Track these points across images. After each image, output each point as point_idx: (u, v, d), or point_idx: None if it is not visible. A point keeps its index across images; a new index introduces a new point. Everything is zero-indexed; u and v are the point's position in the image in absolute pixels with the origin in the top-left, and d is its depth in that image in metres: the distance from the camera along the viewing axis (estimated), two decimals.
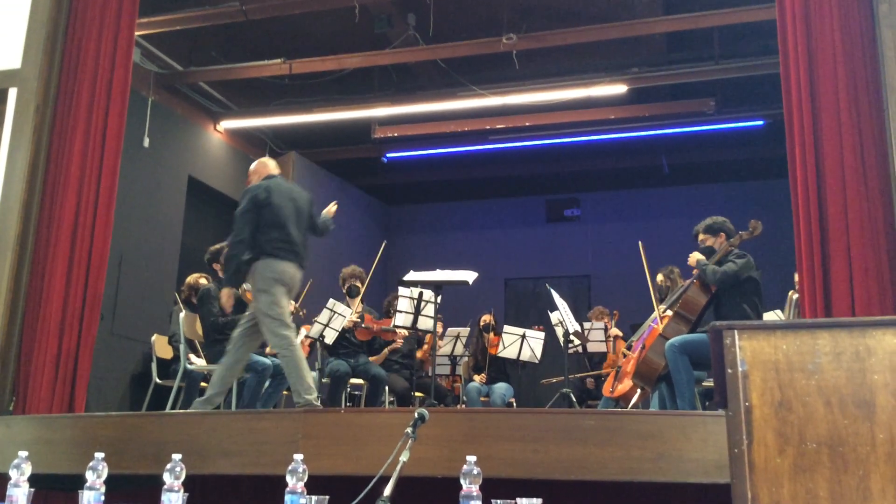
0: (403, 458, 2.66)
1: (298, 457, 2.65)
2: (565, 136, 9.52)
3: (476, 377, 7.29)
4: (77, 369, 5.21)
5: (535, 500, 2.32)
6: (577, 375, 7.27)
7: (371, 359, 6.42)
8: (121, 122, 5.70)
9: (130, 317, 7.57)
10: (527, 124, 9.14)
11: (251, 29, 7.78)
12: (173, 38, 7.97)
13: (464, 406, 7.24)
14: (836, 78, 4.35)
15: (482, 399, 7.09)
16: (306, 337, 6.09)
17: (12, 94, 5.72)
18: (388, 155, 10.26)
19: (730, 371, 1.69)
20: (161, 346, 6.54)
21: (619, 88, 8.23)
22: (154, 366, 6.42)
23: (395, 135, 9.34)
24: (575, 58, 8.32)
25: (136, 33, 7.45)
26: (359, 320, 6.18)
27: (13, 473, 2.82)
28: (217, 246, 6.09)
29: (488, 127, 9.26)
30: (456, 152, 10.09)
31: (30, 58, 5.73)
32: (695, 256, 4.93)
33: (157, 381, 6.32)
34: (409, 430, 2.76)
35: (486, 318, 7.70)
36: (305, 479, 2.63)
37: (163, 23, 7.52)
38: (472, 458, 2.53)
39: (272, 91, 9.02)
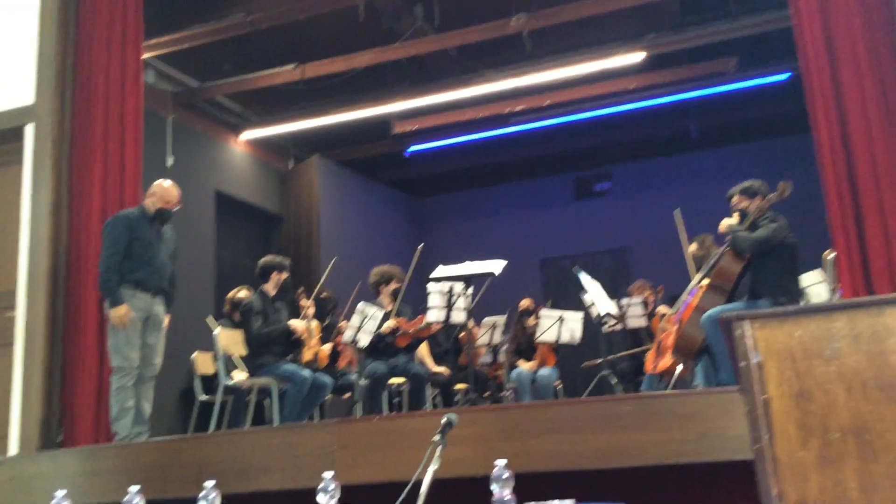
0: (434, 466, 2.62)
1: (328, 474, 2.63)
2: (587, 110, 9.36)
3: (523, 364, 7.21)
4: None
5: (567, 501, 2.26)
6: (618, 355, 7.18)
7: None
8: (137, 148, 5.74)
9: (172, 336, 7.59)
10: (547, 103, 9.00)
11: (260, 38, 7.77)
12: (185, 56, 8.00)
13: (510, 393, 7.20)
14: (851, 26, 4.20)
15: (533, 385, 7.04)
16: (343, 344, 6.12)
17: (29, 130, 5.79)
18: (411, 148, 10.21)
19: (743, 363, 1.62)
20: (202, 363, 6.59)
21: (637, 57, 8.05)
22: (197, 382, 6.48)
23: (415, 128, 9.29)
24: (588, 30, 8.16)
25: (148, 55, 7.55)
26: (397, 328, 6.15)
27: None
28: (267, 258, 6.11)
29: (508, 110, 9.15)
30: (478, 139, 9.99)
31: (43, 93, 5.79)
32: (726, 223, 4.80)
33: (203, 397, 6.38)
34: (437, 437, 2.72)
35: (526, 303, 7.64)
36: (337, 497, 2.61)
37: (172, 42, 7.55)
38: (501, 462, 2.49)
39: (289, 97, 9.02)
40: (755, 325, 1.62)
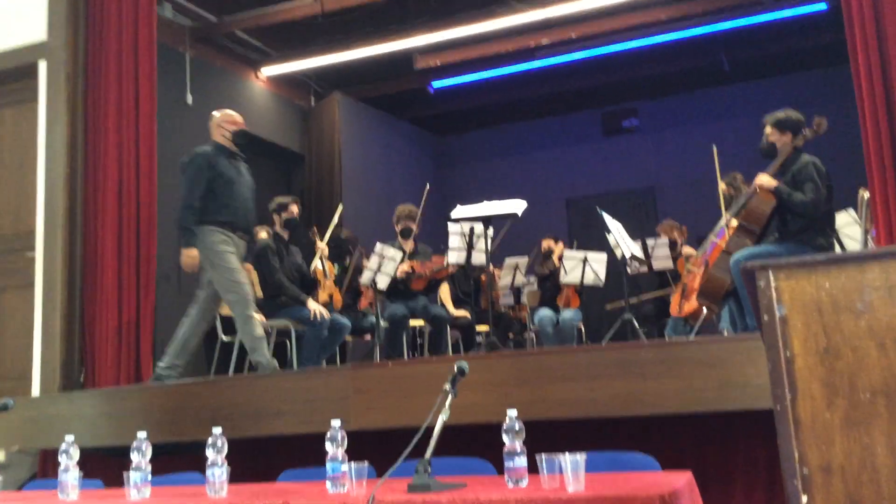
0: (443, 416, 2.54)
1: (336, 423, 2.56)
2: (615, 43, 9.04)
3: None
4: (140, 336, 5.28)
5: (578, 454, 2.17)
6: (642, 298, 7.05)
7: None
8: (152, 83, 5.63)
9: (195, 275, 7.63)
10: (573, 36, 8.70)
11: None
12: None
13: (533, 334, 7.13)
14: None
15: (556, 327, 6.96)
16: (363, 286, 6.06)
17: (42, 66, 5.70)
18: (434, 84, 9.97)
19: (766, 317, 1.49)
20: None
21: None
22: (219, 323, 6.46)
23: (438, 63, 9.04)
24: None
25: None
26: (410, 271, 6.07)
27: (62, 458, 2.83)
28: (281, 198, 6.04)
29: (533, 44, 8.85)
30: (503, 74, 9.72)
31: (55, 28, 5.69)
32: (766, 181, 4.48)
33: (224, 338, 6.37)
34: (447, 386, 2.63)
35: (548, 244, 7.51)
36: (345, 446, 2.55)
37: None
38: (512, 413, 2.40)
39: (309, 32, 8.79)
40: (780, 275, 1.48)
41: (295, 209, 5.92)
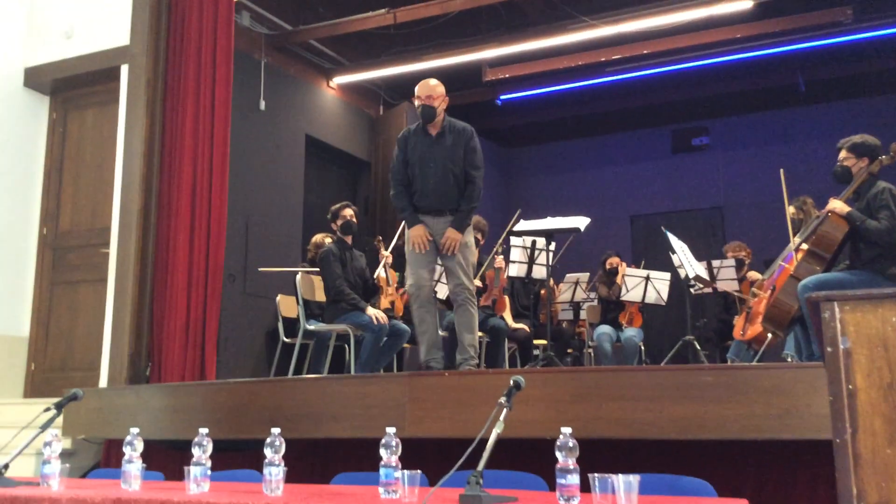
0: (497, 429, 2.55)
1: (391, 430, 2.59)
2: (688, 60, 8.93)
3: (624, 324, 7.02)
4: (205, 334, 5.41)
5: (632, 476, 2.16)
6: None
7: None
8: (228, 88, 5.78)
9: (261, 277, 7.81)
10: (644, 52, 8.63)
11: None
12: None
13: (591, 351, 7.07)
14: None
15: (616, 345, 6.89)
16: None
17: (124, 70, 5.91)
18: (502, 97, 10.00)
19: (829, 349, 1.46)
20: (286, 306, 6.70)
21: (745, 4, 7.61)
22: (280, 325, 6.59)
23: (507, 76, 9.07)
24: None
25: None
26: (481, 286, 6.08)
27: (126, 450, 2.92)
28: (333, 206, 6.13)
29: (604, 59, 8.81)
30: (572, 88, 9.69)
31: (137, 34, 5.89)
32: (839, 206, 4.38)
33: (285, 339, 6.50)
34: (503, 399, 2.64)
35: (615, 261, 7.39)
36: (399, 453, 2.58)
37: None
38: (567, 430, 2.39)
39: (381, 42, 8.93)
40: (845, 307, 1.46)
41: (348, 213, 5.98)
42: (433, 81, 4.79)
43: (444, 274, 5.67)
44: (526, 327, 6.64)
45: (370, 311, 5.62)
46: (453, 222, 4.65)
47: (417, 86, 4.79)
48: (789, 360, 4.95)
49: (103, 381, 5.38)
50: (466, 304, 4.66)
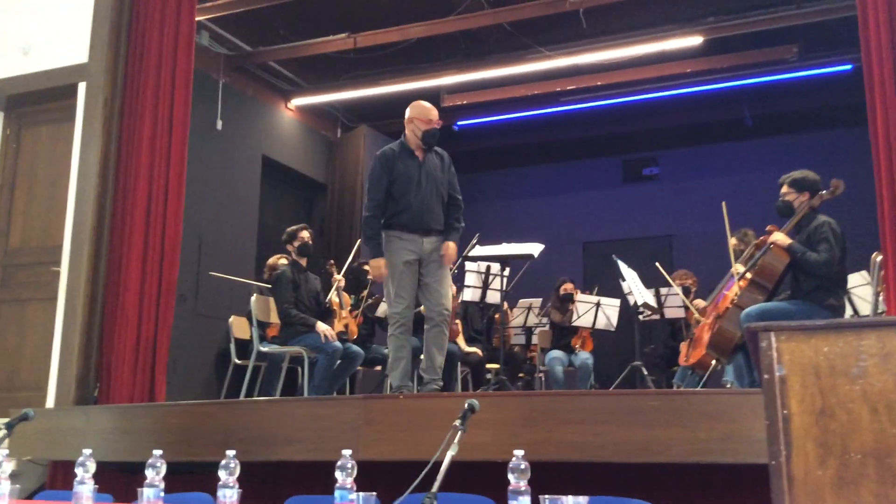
0: (452, 451, 2.60)
1: (347, 452, 2.63)
2: (640, 93, 9.18)
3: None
4: (156, 355, 5.37)
5: (581, 498, 2.23)
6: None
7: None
8: (186, 109, 5.78)
9: (212, 297, 7.76)
10: (598, 83, 8.85)
11: (314, 6, 7.76)
12: (241, 20, 8.02)
13: (542, 376, 7.17)
14: None
15: (567, 369, 7.00)
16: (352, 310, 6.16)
17: (81, 88, 5.88)
18: (459, 123, 10.13)
19: (766, 376, 1.56)
20: (239, 327, 6.68)
21: (695, 40, 7.87)
22: (233, 346, 6.56)
23: (465, 102, 9.21)
24: (645, 12, 7.97)
25: (204, 17, 7.61)
26: None
27: (79, 471, 2.90)
28: (290, 228, 6.14)
29: (559, 89, 9.02)
30: (527, 116, 9.87)
31: (96, 52, 5.87)
32: (781, 238, 4.56)
33: (237, 361, 6.47)
34: (457, 422, 2.70)
35: (568, 287, 7.51)
36: (354, 475, 2.61)
37: (228, 5, 7.57)
38: (519, 453, 2.46)
39: (340, 65, 9.01)
40: (781, 337, 1.56)
41: (305, 235, 6.01)
42: (429, 104, 4.80)
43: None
44: (479, 351, 6.72)
45: (320, 326, 5.64)
46: (451, 237, 4.68)
47: (423, 109, 4.76)
48: (728, 386, 5.10)
49: (50, 402, 5.29)
50: (443, 325, 4.65)
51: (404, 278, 4.58)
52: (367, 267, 4.70)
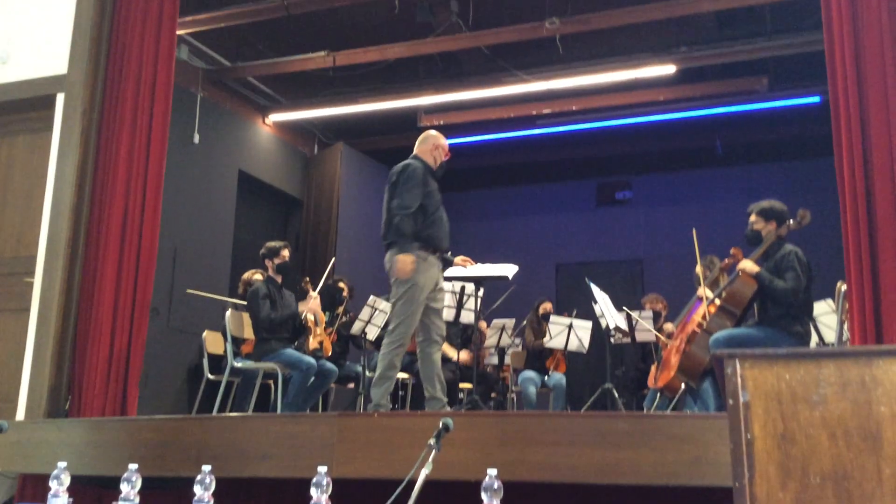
0: (426, 469, 2.65)
1: (322, 469, 2.67)
2: (614, 118, 9.35)
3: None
4: (129, 369, 5.34)
5: None
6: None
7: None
8: (165, 123, 5.79)
9: (186, 311, 7.74)
10: (574, 108, 9.00)
11: (294, 23, 7.82)
12: (220, 35, 8.07)
13: (514, 396, 7.23)
14: (882, 56, 4.17)
15: (540, 390, 7.06)
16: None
17: (60, 99, 5.87)
18: None
19: (731, 401, 1.64)
20: (212, 342, 6.67)
21: (668, 69, 8.04)
22: (205, 361, 6.55)
23: (442, 122, 9.30)
24: (621, 39, 8.14)
25: (184, 31, 7.64)
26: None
27: (53, 484, 2.91)
28: (272, 243, 6.16)
29: (535, 112, 9.16)
30: (504, 138, 10.00)
31: (76, 63, 5.86)
32: (749, 266, 4.69)
33: (209, 376, 6.46)
34: (432, 441, 2.75)
35: (547, 307, 7.58)
36: (329, 492, 2.65)
37: (208, 20, 7.61)
38: (492, 472, 2.51)
39: (319, 83, 9.07)
40: (745, 364, 1.64)
41: (286, 254, 6.04)
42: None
43: (375, 314, 5.77)
44: (451, 371, 6.77)
45: (301, 306, 5.75)
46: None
47: (445, 142, 4.93)
48: (688, 411, 5.20)
49: (20, 414, 5.25)
50: (441, 344, 4.79)
51: (421, 305, 4.60)
52: (399, 263, 4.51)
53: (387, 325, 6.04)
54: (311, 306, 5.80)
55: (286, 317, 5.79)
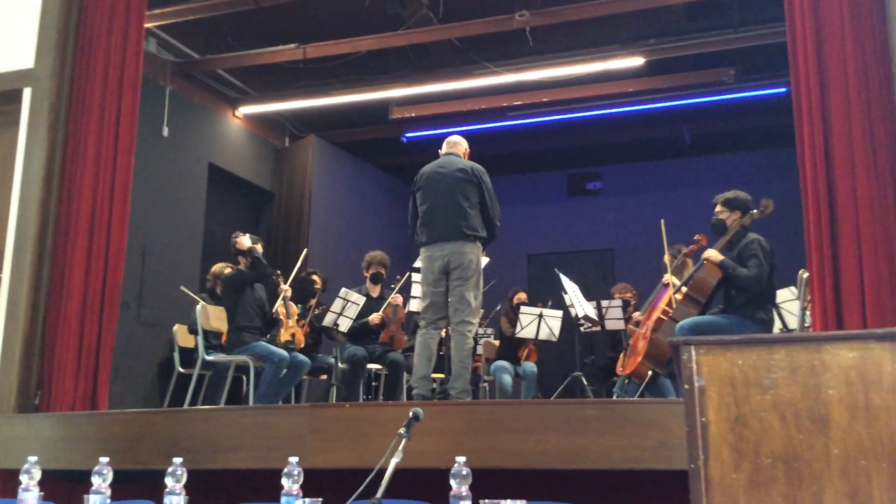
0: (396, 458, 2.69)
1: (293, 459, 2.70)
2: (584, 109, 9.42)
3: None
4: (99, 363, 5.32)
5: (520, 501, 2.34)
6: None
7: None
8: (133, 116, 5.75)
9: (156, 305, 7.71)
10: (544, 100, 9.06)
11: (264, 15, 7.79)
12: (189, 28, 8.02)
13: (486, 385, 7.29)
14: (844, 51, 4.26)
15: (514, 379, 7.12)
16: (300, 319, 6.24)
17: (27, 93, 5.81)
18: (408, 134, 10.24)
19: (687, 386, 1.70)
20: (183, 336, 6.65)
21: (637, 61, 8.13)
22: (176, 355, 6.54)
23: (413, 115, 9.33)
24: (590, 31, 8.21)
25: (152, 24, 7.58)
26: (383, 323, 6.26)
27: (24, 478, 2.91)
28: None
29: (506, 104, 9.21)
30: (475, 130, 10.00)
31: (43, 57, 5.80)
32: (713, 255, 4.80)
33: (181, 370, 6.45)
34: (402, 430, 2.79)
35: (521, 296, 7.64)
36: (301, 482, 2.68)
37: (176, 13, 7.55)
38: (461, 459, 2.56)
39: (289, 75, 9.04)
40: (700, 350, 1.70)
41: (259, 249, 6.05)
42: None
43: (347, 306, 5.79)
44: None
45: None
46: None
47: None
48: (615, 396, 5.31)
49: None
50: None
51: None
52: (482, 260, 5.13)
53: (359, 316, 6.09)
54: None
55: (262, 275, 5.82)
